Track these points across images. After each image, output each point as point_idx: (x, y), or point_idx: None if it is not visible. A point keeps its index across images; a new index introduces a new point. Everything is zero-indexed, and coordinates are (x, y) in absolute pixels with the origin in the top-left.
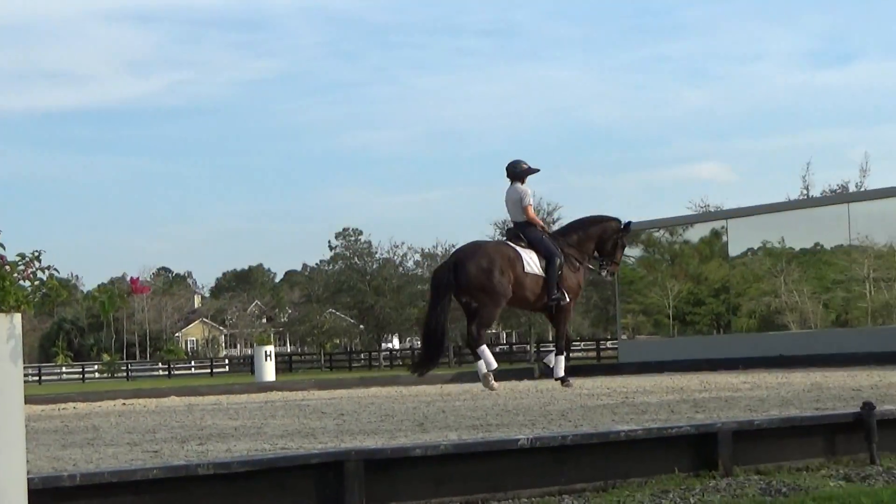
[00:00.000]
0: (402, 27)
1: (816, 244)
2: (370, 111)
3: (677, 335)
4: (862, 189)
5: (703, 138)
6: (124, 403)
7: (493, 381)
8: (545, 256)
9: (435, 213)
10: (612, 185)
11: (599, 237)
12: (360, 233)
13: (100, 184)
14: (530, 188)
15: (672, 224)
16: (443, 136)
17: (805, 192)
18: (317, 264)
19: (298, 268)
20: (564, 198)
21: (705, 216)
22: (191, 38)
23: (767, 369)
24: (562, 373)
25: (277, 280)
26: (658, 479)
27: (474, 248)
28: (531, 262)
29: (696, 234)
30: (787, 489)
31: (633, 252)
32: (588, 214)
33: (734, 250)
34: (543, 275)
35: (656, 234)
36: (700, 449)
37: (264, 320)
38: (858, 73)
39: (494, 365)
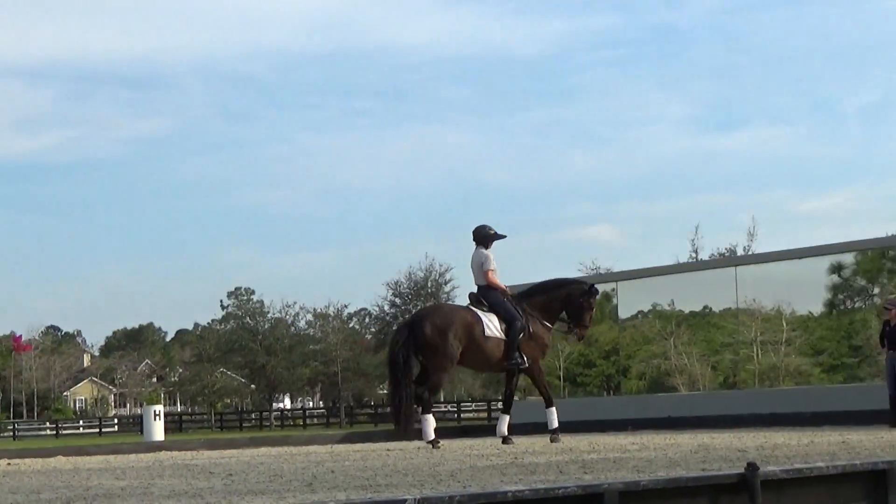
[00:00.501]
0: (293, 87)
1: (705, 307)
2: (262, 170)
3: (568, 397)
4: (749, 252)
5: (595, 201)
6: (9, 463)
7: (438, 444)
8: (505, 320)
9: (327, 273)
10: (504, 247)
11: (565, 300)
12: (252, 292)
13: None
14: (493, 253)
15: None
16: (335, 195)
17: (694, 255)
18: (208, 323)
19: (189, 327)
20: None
21: (595, 278)
22: (82, 95)
23: (656, 430)
24: (505, 431)
25: (168, 339)
26: None
27: (432, 310)
28: (491, 325)
29: None
30: None
31: None
32: (552, 278)
33: (624, 312)
34: (504, 338)
35: None
36: None
37: (154, 379)
38: (745, 139)
39: (431, 437)
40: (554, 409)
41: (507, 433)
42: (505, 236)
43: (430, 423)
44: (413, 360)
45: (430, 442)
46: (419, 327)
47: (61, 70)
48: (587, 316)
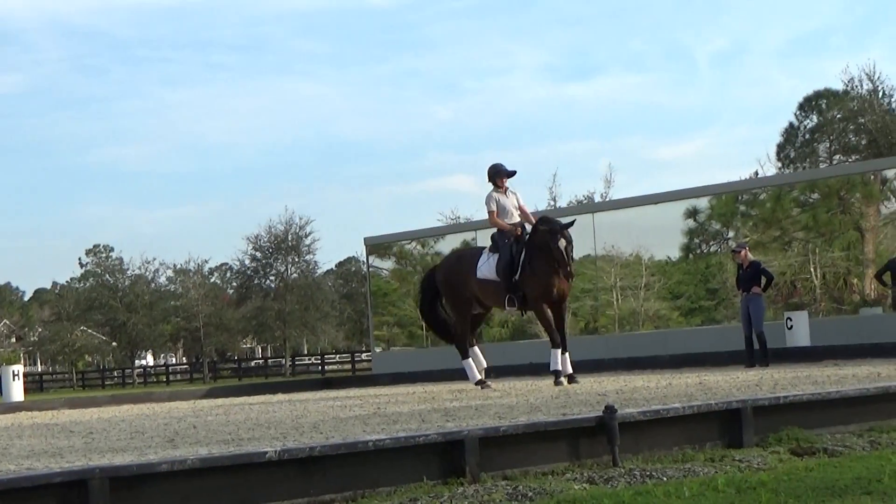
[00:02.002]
0: (148, 42)
1: None
2: (119, 126)
3: (431, 346)
4: (607, 199)
5: (453, 151)
6: None
7: (488, 383)
8: (499, 261)
9: (187, 228)
10: (366, 199)
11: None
12: (111, 249)
13: None
14: (495, 194)
15: (423, 236)
16: (194, 150)
17: (552, 203)
18: (67, 282)
19: (48, 286)
20: (318, 212)
21: (455, 227)
22: None
23: (518, 377)
24: (569, 369)
25: (26, 298)
26: (407, 487)
27: (448, 257)
28: (484, 267)
29: (447, 245)
30: (534, 493)
31: (385, 264)
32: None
33: None
34: (497, 279)
35: (408, 247)
36: (447, 456)
37: (13, 340)
38: (600, 87)
39: (477, 377)
40: (559, 350)
41: (570, 370)
42: (510, 172)
43: (469, 366)
44: (435, 306)
45: (477, 383)
46: (430, 277)
47: None
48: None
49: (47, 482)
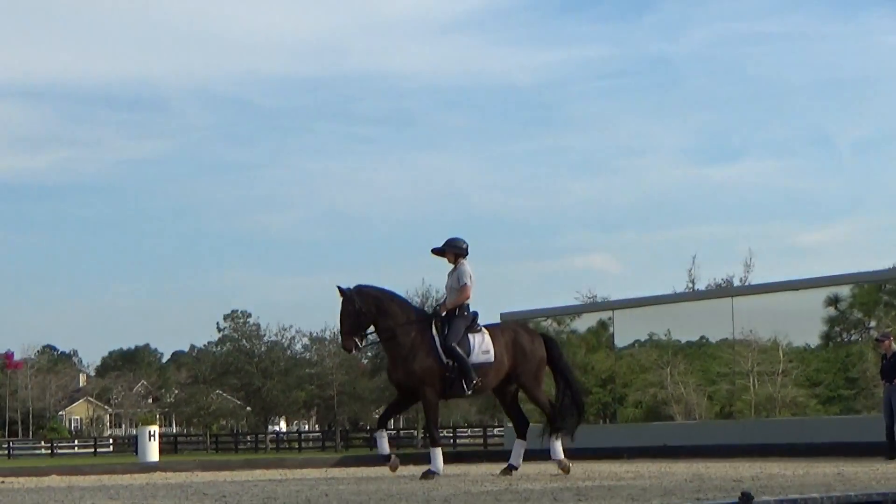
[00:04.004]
0: (294, 112)
1: (702, 337)
2: (261, 194)
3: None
4: (746, 284)
5: (592, 230)
6: (3, 481)
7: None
8: None
9: (325, 297)
10: (502, 273)
11: None
12: (249, 315)
13: None
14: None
15: (560, 313)
16: (334, 220)
17: (691, 285)
18: (204, 345)
19: (186, 349)
20: None
21: (592, 307)
22: (81, 117)
23: (651, 459)
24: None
25: (164, 360)
26: None
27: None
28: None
29: (583, 324)
30: None
31: None
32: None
33: (621, 341)
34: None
35: (544, 323)
36: None
37: (150, 400)
38: (742, 171)
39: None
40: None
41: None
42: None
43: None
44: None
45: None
46: None
47: (60, 90)
48: None
49: None
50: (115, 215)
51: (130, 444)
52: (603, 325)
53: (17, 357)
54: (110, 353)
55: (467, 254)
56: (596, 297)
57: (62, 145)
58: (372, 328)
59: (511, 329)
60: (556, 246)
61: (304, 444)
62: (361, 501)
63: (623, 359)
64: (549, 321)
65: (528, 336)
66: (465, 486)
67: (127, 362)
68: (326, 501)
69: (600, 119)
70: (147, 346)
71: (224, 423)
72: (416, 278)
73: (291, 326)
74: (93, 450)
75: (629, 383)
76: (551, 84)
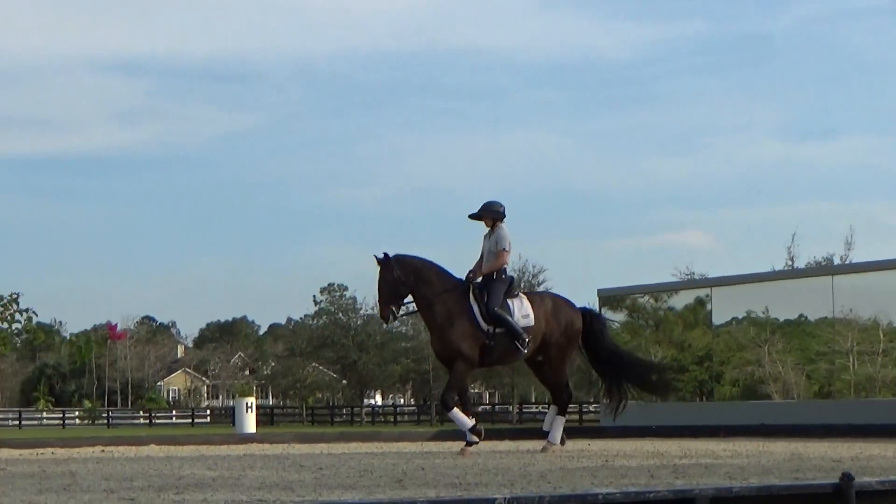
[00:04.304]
0: (387, 87)
1: (800, 315)
2: (355, 168)
3: (659, 401)
4: (847, 262)
5: (689, 207)
6: (103, 450)
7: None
8: None
9: None
10: (597, 250)
11: None
12: (346, 288)
13: (85, 231)
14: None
15: (657, 290)
16: (427, 194)
17: (790, 263)
18: (301, 318)
19: (282, 321)
20: (549, 261)
21: (690, 284)
22: (176, 91)
23: (749, 438)
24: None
25: (261, 333)
26: None
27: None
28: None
29: (680, 301)
30: None
31: (617, 317)
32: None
33: (718, 319)
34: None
35: (641, 300)
36: None
37: (247, 372)
38: (843, 147)
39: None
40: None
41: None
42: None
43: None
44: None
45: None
46: None
47: (157, 65)
48: None
49: None
50: (210, 188)
51: (227, 416)
52: (700, 302)
53: (118, 328)
54: (208, 325)
55: (504, 217)
56: (693, 274)
57: (159, 118)
58: (410, 297)
59: (550, 298)
60: (649, 222)
61: (399, 418)
62: (458, 476)
63: (720, 336)
64: (646, 298)
65: (568, 307)
66: (561, 462)
67: (224, 334)
68: (422, 475)
69: (695, 95)
70: (244, 318)
71: (320, 395)
72: (513, 254)
73: None
74: (190, 420)
75: (726, 361)
76: (647, 61)
